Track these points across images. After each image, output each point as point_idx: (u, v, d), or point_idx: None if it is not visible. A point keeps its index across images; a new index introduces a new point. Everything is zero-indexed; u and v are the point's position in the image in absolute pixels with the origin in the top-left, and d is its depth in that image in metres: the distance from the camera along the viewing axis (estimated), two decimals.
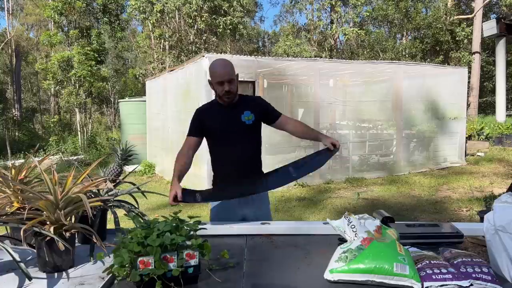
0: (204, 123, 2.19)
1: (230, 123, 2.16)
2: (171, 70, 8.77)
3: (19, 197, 1.41)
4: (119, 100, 13.97)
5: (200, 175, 6.46)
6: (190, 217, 1.28)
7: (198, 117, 2.23)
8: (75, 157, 11.49)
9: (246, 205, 2.16)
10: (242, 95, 2.26)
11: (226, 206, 2.18)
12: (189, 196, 1.93)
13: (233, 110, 2.17)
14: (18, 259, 1.17)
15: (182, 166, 2.10)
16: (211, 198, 2.16)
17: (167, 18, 16.60)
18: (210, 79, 2.14)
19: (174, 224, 1.20)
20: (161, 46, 17.46)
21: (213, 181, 2.31)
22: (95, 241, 1.29)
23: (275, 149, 7.15)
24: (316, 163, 2.22)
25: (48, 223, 1.26)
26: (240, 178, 2.16)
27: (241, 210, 2.17)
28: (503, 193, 1.39)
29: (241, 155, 2.18)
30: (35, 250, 1.30)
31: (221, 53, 14.34)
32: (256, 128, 2.24)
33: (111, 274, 1.16)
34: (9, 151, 12.60)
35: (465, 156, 9.58)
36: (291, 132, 2.32)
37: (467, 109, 11.14)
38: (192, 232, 1.22)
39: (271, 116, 2.27)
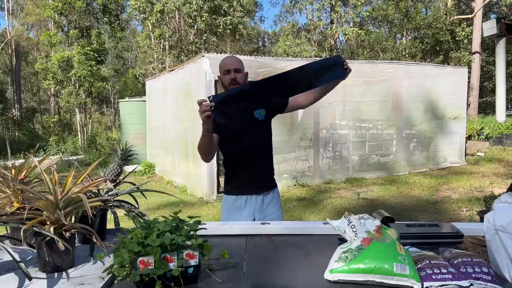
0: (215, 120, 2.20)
1: (243, 119, 2.16)
2: (171, 70, 8.77)
3: (19, 197, 1.41)
4: (119, 100, 13.98)
5: (200, 175, 6.47)
6: (190, 217, 1.28)
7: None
8: (75, 157, 11.50)
9: (257, 210, 2.18)
10: None
11: (236, 208, 2.19)
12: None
13: None
14: (18, 259, 1.17)
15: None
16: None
17: (167, 18, 16.61)
18: (219, 74, 2.15)
19: (174, 224, 1.20)
20: (161, 46, 17.46)
21: (225, 179, 2.28)
22: (95, 241, 1.29)
23: (275, 149, 7.14)
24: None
25: (48, 223, 1.26)
26: (252, 176, 2.16)
27: (252, 214, 2.18)
28: (503, 193, 1.39)
29: (253, 151, 2.16)
30: (35, 250, 1.30)
31: (221, 53, 14.33)
32: (268, 123, 2.24)
33: (111, 274, 1.15)
34: (9, 151, 12.61)
35: (465, 156, 9.58)
36: (305, 104, 2.23)
37: (467, 109, 11.15)
38: (192, 232, 1.21)
39: (281, 104, 2.24)
